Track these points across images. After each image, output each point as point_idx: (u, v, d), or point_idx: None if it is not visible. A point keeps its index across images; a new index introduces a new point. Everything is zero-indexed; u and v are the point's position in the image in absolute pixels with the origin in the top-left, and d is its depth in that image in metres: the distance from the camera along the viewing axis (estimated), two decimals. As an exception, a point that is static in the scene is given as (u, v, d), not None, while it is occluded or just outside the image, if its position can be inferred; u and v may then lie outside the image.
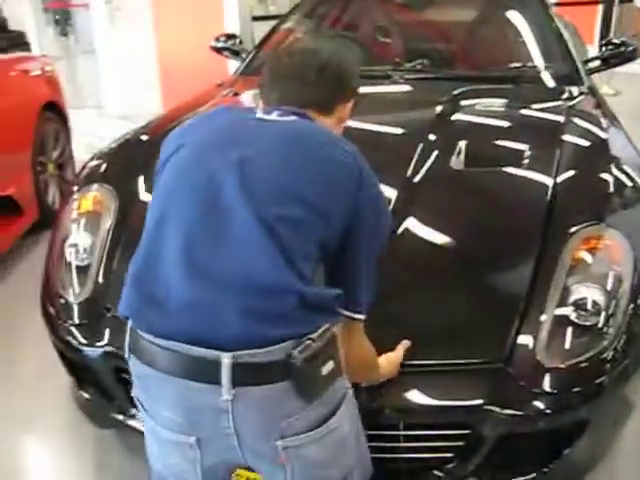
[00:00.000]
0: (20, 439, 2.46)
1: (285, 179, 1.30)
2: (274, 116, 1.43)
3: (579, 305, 1.82)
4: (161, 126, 2.91)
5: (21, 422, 2.52)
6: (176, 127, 1.53)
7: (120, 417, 2.10)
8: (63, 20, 11.13)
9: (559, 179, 2.19)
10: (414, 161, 2.32)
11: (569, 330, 1.81)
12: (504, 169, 2.29)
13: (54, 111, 4.32)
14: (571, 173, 2.23)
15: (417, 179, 2.25)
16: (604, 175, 2.20)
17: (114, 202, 2.34)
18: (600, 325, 1.81)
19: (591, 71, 3.37)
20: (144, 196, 2.37)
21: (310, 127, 1.43)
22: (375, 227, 1.41)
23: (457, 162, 2.34)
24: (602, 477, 2.12)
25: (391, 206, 2.13)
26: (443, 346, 1.83)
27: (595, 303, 1.82)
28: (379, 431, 1.77)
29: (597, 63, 3.44)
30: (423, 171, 2.28)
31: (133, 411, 2.05)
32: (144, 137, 2.78)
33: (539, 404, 1.73)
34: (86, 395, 2.24)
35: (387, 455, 1.77)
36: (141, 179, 2.45)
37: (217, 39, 3.93)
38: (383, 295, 1.93)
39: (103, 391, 2.16)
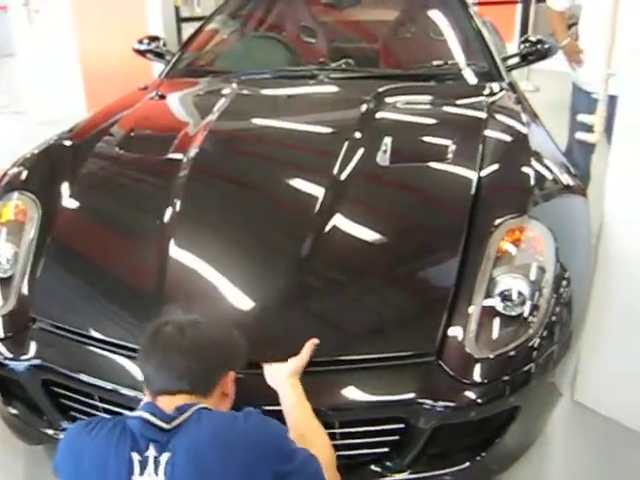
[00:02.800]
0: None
1: None
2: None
3: (505, 296, 1.87)
4: (85, 130, 2.85)
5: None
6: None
7: (50, 432, 2.04)
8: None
9: (483, 173, 2.24)
10: (340, 159, 2.33)
11: (496, 321, 1.86)
12: (429, 164, 2.33)
13: (-29, 118, 4.17)
14: (494, 167, 2.29)
15: (343, 177, 2.26)
16: (525, 169, 2.26)
17: (36, 210, 2.27)
18: (526, 315, 1.86)
19: (511, 68, 3.46)
20: (68, 203, 2.31)
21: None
22: None
23: (383, 158, 2.37)
24: (533, 462, 2.19)
25: (318, 204, 2.14)
26: (375, 342, 1.85)
27: (520, 293, 1.87)
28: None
29: (516, 60, 3.53)
30: (349, 168, 2.29)
31: (64, 424, 2.00)
32: (67, 142, 2.71)
33: (470, 394, 1.77)
34: (13, 411, 2.17)
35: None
36: (65, 185, 2.38)
37: (140, 41, 3.85)
38: (313, 293, 1.96)
39: (31, 405, 2.09)
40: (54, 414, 2.00)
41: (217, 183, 2.40)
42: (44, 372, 1.95)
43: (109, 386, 1.81)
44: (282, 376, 1.70)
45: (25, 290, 2.09)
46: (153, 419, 1.37)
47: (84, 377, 1.87)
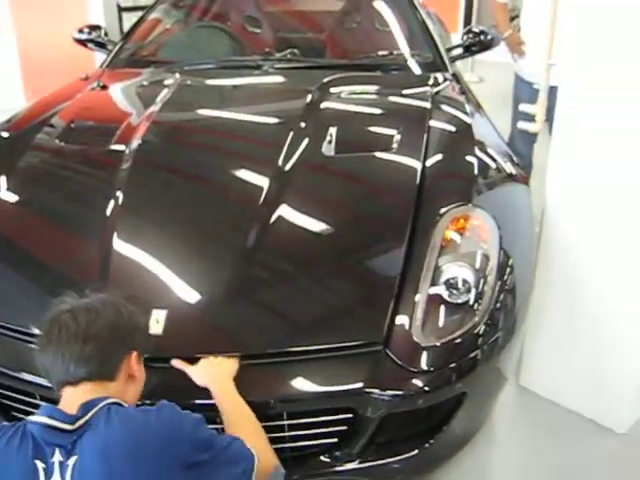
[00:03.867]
0: None
1: None
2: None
3: (450, 284, 1.89)
4: (23, 121, 2.78)
5: None
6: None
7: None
8: None
9: (427, 163, 2.25)
10: (285, 149, 2.31)
11: (442, 309, 1.87)
12: (374, 154, 2.33)
13: None
14: (439, 157, 2.31)
15: (288, 167, 2.25)
16: (469, 158, 2.29)
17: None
18: (471, 302, 1.88)
19: (455, 58, 3.49)
20: (5, 196, 2.24)
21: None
22: None
23: (328, 148, 2.36)
24: (480, 447, 2.22)
25: (263, 195, 2.12)
26: (322, 332, 1.84)
27: (465, 281, 1.89)
28: (264, 422, 1.76)
29: (460, 51, 3.57)
30: (294, 159, 2.28)
31: (5, 425, 1.94)
32: (4, 134, 2.64)
33: (418, 382, 1.78)
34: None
35: (273, 445, 1.77)
36: (2, 178, 2.31)
37: (80, 30, 3.76)
38: (260, 284, 1.94)
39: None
40: None
41: (160, 174, 2.36)
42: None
43: (50, 384, 1.76)
44: (216, 375, 1.68)
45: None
46: (55, 423, 1.31)
47: (25, 376, 1.82)
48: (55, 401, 1.70)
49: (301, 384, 1.75)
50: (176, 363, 1.72)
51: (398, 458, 1.89)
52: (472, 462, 2.20)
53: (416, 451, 1.90)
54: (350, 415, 1.80)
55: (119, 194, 2.15)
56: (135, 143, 2.39)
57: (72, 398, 1.38)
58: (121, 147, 2.40)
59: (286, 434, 1.79)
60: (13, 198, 2.25)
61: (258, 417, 1.69)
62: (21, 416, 1.91)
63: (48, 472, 1.26)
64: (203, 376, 1.68)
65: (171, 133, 2.63)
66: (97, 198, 2.18)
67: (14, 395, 1.90)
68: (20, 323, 1.90)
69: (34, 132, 2.58)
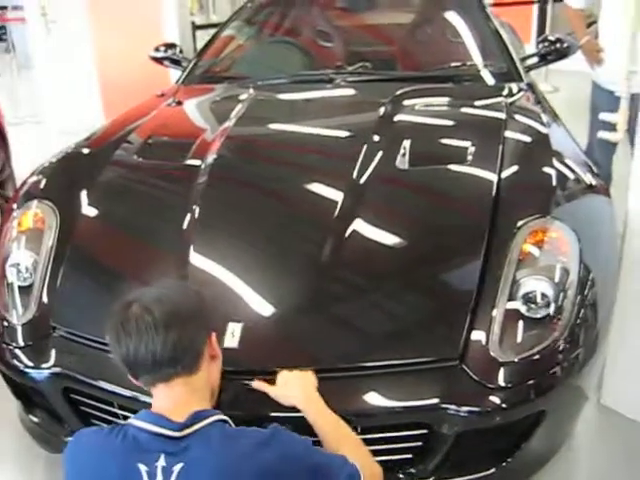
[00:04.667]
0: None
1: None
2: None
3: (529, 298, 1.84)
4: (102, 138, 2.86)
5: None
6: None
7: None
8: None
9: (503, 175, 2.21)
10: (359, 163, 2.31)
11: (520, 324, 1.83)
12: (448, 167, 2.30)
13: (-9, 128, 4.19)
14: (515, 168, 2.26)
15: (363, 181, 2.24)
16: (547, 169, 2.23)
17: (55, 218, 2.27)
18: (550, 317, 1.82)
19: (529, 68, 3.43)
20: (86, 211, 2.31)
21: None
22: None
23: (402, 162, 2.34)
24: (560, 466, 2.15)
25: (338, 208, 2.12)
26: (397, 347, 1.83)
27: (544, 295, 1.84)
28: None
29: (535, 60, 3.49)
30: (368, 172, 2.27)
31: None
32: (85, 150, 2.72)
33: (495, 399, 1.74)
34: (34, 419, 2.17)
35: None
36: (83, 193, 2.38)
37: (157, 49, 3.88)
38: (334, 299, 1.94)
39: (52, 413, 2.09)
40: (75, 422, 2.00)
41: (235, 189, 2.39)
42: (64, 380, 1.94)
43: (128, 393, 1.79)
44: (305, 397, 1.66)
45: (45, 298, 2.09)
46: (161, 430, 1.32)
47: (103, 384, 1.87)
48: (134, 410, 1.75)
49: (376, 399, 1.74)
50: (257, 385, 1.71)
51: (474, 476, 1.85)
52: (552, 482, 2.13)
53: (493, 469, 1.85)
54: (425, 431, 1.77)
55: (195, 208, 2.19)
56: (210, 158, 2.44)
57: (168, 399, 1.40)
58: (197, 162, 2.45)
59: (360, 449, 1.78)
60: (93, 212, 2.32)
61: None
62: (100, 424, 1.96)
63: (151, 475, 1.28)
64: (289, 396, 1.66)
65: (245, 148, 2.66)
66: (174, 212, 2.23)
67: (94, 403, 1.96)
68: (99, 333, 1.95)
69: (113, 148, 2.66)
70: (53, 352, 1.98)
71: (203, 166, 2.40)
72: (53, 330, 2.03)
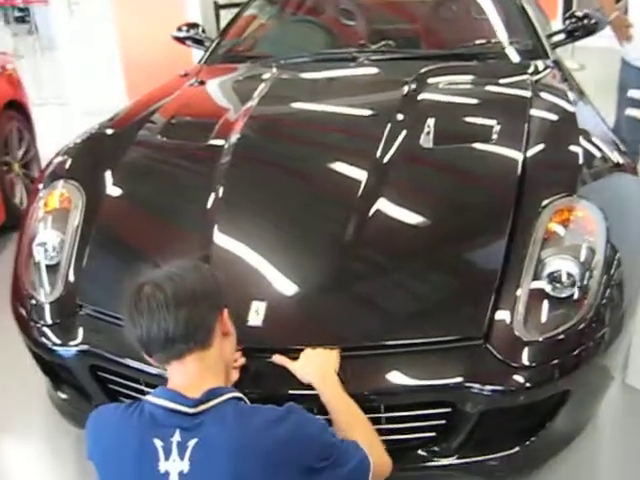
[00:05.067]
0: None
1: None
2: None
3: (554, 278, 1.83)
4: (126, 119, 2.87)
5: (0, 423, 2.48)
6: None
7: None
8: (22, 17, 10.95)
9: (529, 153, 2.19)
10: (383, 142, 2.30)
11: (545, 303, 1.82)
12: (473, 145, 2.28)
13: (16, 109, 4.23)
14: (540, 147, 2.23)
15: (386, 160, 2.23)
16: (573, 147, 2.20)
17: (81, 198, 2.29)
18: (575, 297, 1.81)
19: (555, 45, 3.37)
20: (111, 190, 2.33)
21: None
22: None
23: (426, 140, 2.33)
24: (584, 446, 2.14)
25: (361, 187, 2.12)
26: (421, 325, 1.83)
27: (569, 275, 1.82)
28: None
29: (561, 37, 3.44)
30: (392, 151, 2.26)
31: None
32: (109, 130, 2.73)
33: (519, 378, 1.73)
34: (63, 395, 2.21)
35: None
36: (108, 173, 2.40)
37: (179, 29, 3.87)
38: (358, 277, 1.94)
39: (80, 390, 2.13)
40: (102, 399, 2.02)
41: (259, 168, 2.39)
42: (91, 358, 1.97)
43: (153, 371, 1.81)
44: (322, 376, 1.67)
45: (71, 277, 2.11)
46: (177, 406, 1.34)
47: (130, 362, 1.89)
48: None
49: (399, 377, 1.74)
50: (278, 359, 1.72)
51: (498, 455, 1.86)
52: (576, 461, 2.12)
53: (517, 448, 1.86)
54: (449, 409, 1.77)
55: (219, 188, 2.19)
56: (234, 137, 2.44)
57: (182, 376, 1.41)
58: (220, 142, 2.45)
59: (383, 427, 1.78)
60: (118, 192, 2.34)
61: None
62: (127, 401, 1.99)
63: (166, 451, 1.30)
64: (307, 373, 1.68)
65: (269, 127, 2.66)
66: (198, 192, 2.23)
67: (121, 381, 1.98)
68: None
69: (137, 129, 2.67)
70: (80, 330, 2.00)
71: (226, 146, 2.40)
72: (80, 308, 2.05)
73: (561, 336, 1.77)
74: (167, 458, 1.30)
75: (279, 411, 1.38)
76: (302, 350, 1.73)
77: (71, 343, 1.99)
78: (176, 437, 1.31)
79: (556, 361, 1.76)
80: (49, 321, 2.06)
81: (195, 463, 1.29)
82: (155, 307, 1.38)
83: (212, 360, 1.44)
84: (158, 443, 1.31)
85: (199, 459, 1.29)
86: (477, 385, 1.71)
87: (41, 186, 2.42)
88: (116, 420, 1.40)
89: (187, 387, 1.38)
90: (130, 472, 1.33)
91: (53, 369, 2.17)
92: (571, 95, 2.65)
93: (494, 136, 2.31)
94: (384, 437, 1.75)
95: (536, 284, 1.83)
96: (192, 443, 1.30)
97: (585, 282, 1.83)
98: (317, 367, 1.67)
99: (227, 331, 1.52)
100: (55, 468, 2.30)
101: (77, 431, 2.32)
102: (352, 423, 1.58)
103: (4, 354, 2.83)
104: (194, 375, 1.40)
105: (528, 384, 1.73)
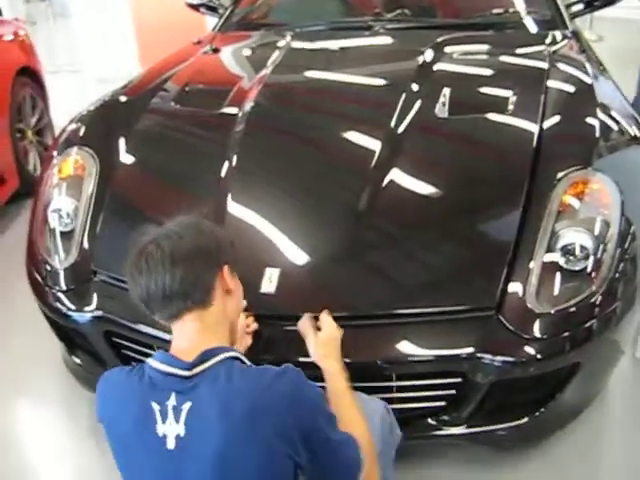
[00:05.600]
0: (15, 404, 2.47)
1: None
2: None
3: (567, 250, 1.82)
4: (139, 86, 2.86)
5: (15, 387, 2.53)
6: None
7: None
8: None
9: (545, 125, 2.17)
10: (397, 111, 2.29)
11: (558, 275, 1.82)
12: (489, 116, 2.26)
13: (30, 76, 4.23)
14: (557, 118, 2.21)
15: (401, 130, 2.22)
16: (590, 120, 2.18)
17: (95, 165, 2.30)
18: (589, 270, 1.81)
19: (574, 15, 3.32)
20: (125, 158, 2.33)
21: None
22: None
23: (441, 110, 2.31)
24: (592, 418, 2.15)
25: (375, 158, 2.11)
26: (434, 295, 1.83)
27: (583, 248, 1.82)
28: (372, 383, 1.78)
29: (580, 7, 3.38)
30: (407, 121, 2.25)
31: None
32: (123, 98, 2.73)
33: (530, 350, 1.74)
34: (77, 360, 2.24)
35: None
36: (122, 140, 2.40)
37: (193, -5, 3.83)
38: (370, 246, 1.94)
39: (95, 355, 2.16)
40: (116, 364, 2.05)
41: (273, 137, 2.39)
42: (105, 324, 1.99)
43: (167, 337, 1.83)
44: (323, 355, 1.65)
45: (86, 244, 2.13)
46: (172, 370, 1.34)
47: (143, 328, 1.91)
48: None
49: (412, 346, 1.75)
50: (303, 325, 1.72)
51: (507, 425, 1.87)
52: (584, 433, 2.13)
53: (526, 419, 1.87)
54: (459, 379, 1.79)
55: (233, 156, 2.19)
56: (248, 106, 2.43)
57: (182, 336, 1.40)
58: (234, 110, 2.44)
59: (394, 395, 1.80)
60: (131, 159, 2.35)
61: (367, 377, 1.71)
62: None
63: (163, 414, 1.31)
64: (318, 353, 1.66)
65: (283, 95, 2.65)
66: (211, 160, 2.24)
67: (134, 346, 2.01)
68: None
69: (150, 96, 2.67)
70: (94, 296, 2.03)
71: (240, 114, 2.40)
72: (94, 274, 2.07)
73: (573, 309, 1.77)
74: (164, 421, 1.31)
75: (275, 370, 1.36)
76: (315, 318, 1.73)
77: (86, 309, 2.02)
78: (172, 401, 1.31)
79: (567, 333, 1.77)
80: (64, 287, 2.09)
81: (190, 427, 1.29)
82: (152, 265, 1.37)
83: (212, 319, 1.42)
84: (155, 407, 1.32)
85: (193, 422, 1.29)
86: (488, 356, 1.72)
87: (55, 153, 2.43)
88: (120, 383, 1.41)
89: (187, 349, 1.37)
90: (132, 435, 1.34)
91: (68, 334, 2.20)
92: (589, 67, 2.62)
93: (510, 107, 2.29)
94: (395, 406, 1.77)
95: (549, 256, 1.83)
96: (186, 407, 1.30)
97: (599, 255, 1.82)
98: (325, 349, 1.65)
99: (229, 288, 1.48)
100: (70, 431, 2.34)
101: (91, 395, 2.36)
102: (342, 411, 1.50)
103: (19, 319, 2.86)
104: (194, 336, 1.40)
105: (539, 356, 1.74)
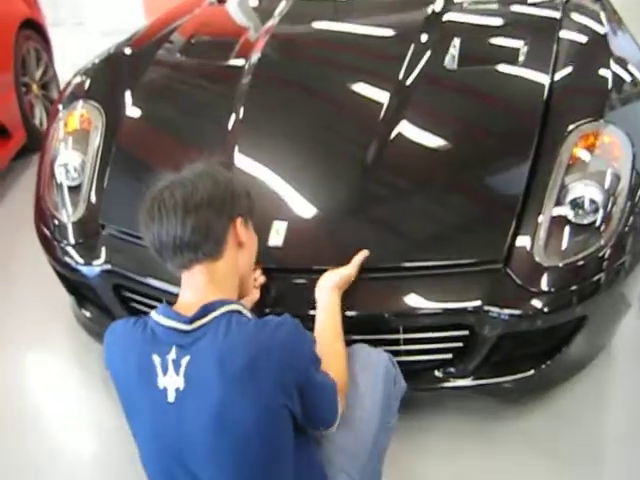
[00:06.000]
0: (27, 356, 2.50)
1: None
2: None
3: (577, 204, 1.81)
4: (144, 39, 2.82)
5: (28, 339, 2.56)
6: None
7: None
8: None
9: (556, 76, 2.13)
10: (406, 63, 2.25)
11: (567, 229, 1.81)
12: (499, 67, 2.23)
13: (33, 29, 4.17)
14: (569, 70, 2.17)
15: (409, 82, 2.19)
16: (603, 71, 2.14)
17: (101, 119, 2.28)
18: (598, 223, 1.80)
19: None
20: (131, 111, 2.31)
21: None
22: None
23: (451, 61, 2.28)
24: (596, 371, 2.17)
25: (383, 110, 2.09)
26: (441, 249, 1.83)
27: (593, 201, 1.81)
28: (379, 335, 1.80)
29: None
30: (416, 72, 2.22)
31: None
32: (128, 50, 2.70)
33: (537, 303, 1.75)
34: (87, 314, 2.26)
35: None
36: (127, 93, 2.38)
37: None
38: (378, 200, 1.93)
39: (104, 309, 2.17)
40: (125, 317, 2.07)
41: (280, 89, 2.36)
42: (114, 277, 2.01)
43: (175, 290, 1.83)
44: (324, 286, 1.68)
45: (93, 198, 2.13)
46: (173, 323, 1.33)
47: (152, 281, 1.92)
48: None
49: (419, 299, 1.76)
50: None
51: (513, 377, 1.89)
52: (588, 385, 2.15)
53: (532, 371, 1.89)
54: (466, 332, 1.80)
55: (240, 108, 2.17)
56: (254, 57, 2.39)
57: (189, 287, 1.40)
58: (240, 62, 2.41)
59: (401, 348, 1.81)
60: (137, 112, 2.33)
61: (374, 330, 1.72)
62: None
63: (163, 367, 1.31)
64: (321, 284, 1.69)
65: (290, 47, 2.61)
66: (218, 112, 2.21)
67: (143, 300, 2.02)
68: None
69: (155, 48, 2.63)
70: (103, 250, 2.03)
71: (247, 66, 2.37)
72: (102, 228, 2.08)
73: (581, 262, 1.77)
74: (165, 374, 1.31)
75: (274, 322, 1.35)
76: (322, 271, 1.74)
77: (94, 263, 2.03)
78: (172, 354, 1.31)
79: (575, 287, 1.77)
80: (72, 241, 2.09)
81: (189, 381, 1.30)
82: (165, 213, 1.36)
83: (221, 273, 1.41)
84: (156, 359, 1.32)
85: (192, 376, 1.29)
86: (495, 309, 1.73)
87: (61, 107, 2.41)
88: (124, 335, 1.41)
89: (191, 303, 1.36)
90: (135, 386, 1.35)
91: (77, 288, 2.22)
92: (603, 16, 2.57)
93: (521, 58, 2.25)
94: (402, 358, 1.79)
95: (558, 210, 1.82)
96: (185, 360, 1.30)
97: (608, 209, 1.81)
98: (332, 284, 1.68)
99: (241, 241, 1.47)
100: (81, 381, 2.37)
101: (101, 347, 2.39)
102: (331, 356, 1.52)
103: (31, 272, 2.88)
104: (200, 288, 1.39)
105: (546, 309, 1.75)
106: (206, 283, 1.39)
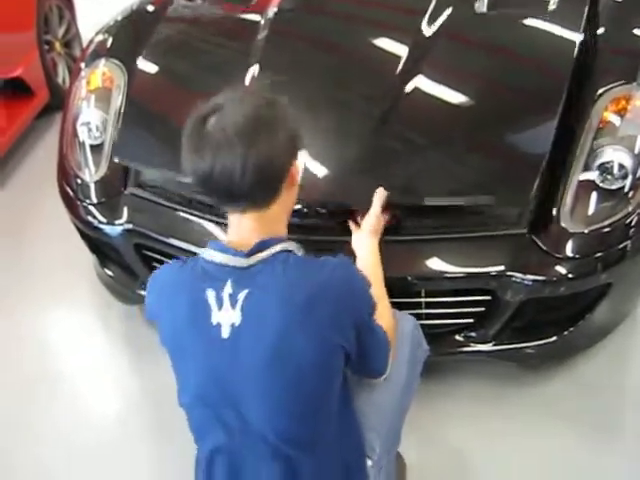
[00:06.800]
0: (50, 315, 2.54)
1: None
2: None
3: (605, 169, 1.77)
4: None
5: (51, 298, 2.59)
6: None
7: (144, 293, 2.12)
8: None
9: (588, 35, 2.06)
10: (429, 13, 2.16)
11: (594, 195, 1.77)
12: (528, 18, 2.14)
13: (55, -14, 4.13)
14: (601, 29, 2.10)
15: (436, 27, 2.12)
16: (638, 32, 2.07)
17: (123, 77, 2.26)
18: (626, 189, 1.76)
19: None
20: (147, 66, 2.28)
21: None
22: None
23: (480, 5, 2.20)
24: (620, 339, 2.15)
25: (402, 63, 2.02)
26: (466, 213, 1.80)
27: (621, 166, 1.77)
28: (401, 298, 1.78)
29: None
30: (440, 22, 2.13)
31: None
32: (150, 7, 2.65)
33: (561, 269, 1.73)
34: (109, 273, 2.28)
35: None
36: (146, 50, 2.34)
37: None
38: (395, 156, 1.86)
39: (126, 268, 2.19)
40: (147, 276, 2.07)
41: (297, 44, 2.30)
42: (136, 236, 2.01)
43: (197, 249, 1.83)
44: (362, 236, 1.66)
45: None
46: (228, 259, 1.29)
47: (173, 241, 1.93)
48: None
49: (442, 263, 1.75)
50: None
51: (535, 343, 1.88)
52: (611, 352, 2.14)
53: (555, 338, 1.88)
54: (489, 297, 1.78)
55: (255, 63, 2.12)
56: (271, 12, 2.33)
57: (238, 228, 1.36)
58: (257, 17, 2.36)
59: (423, 311, 1.81)
60: (154, 69, 2.29)
61: (396, 293, 1.70)
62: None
63: (218, 302, 1.29)
64: (357, 245, 1.67)
65: (307, 1, 2.53)
66: (234, 67, 2.16)
67: (165, 260, 2.03)
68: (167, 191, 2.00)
69: (174, 4, 2.59)
70: (125, 209, 2.04)
71: (263, 21, 2.31)
72: (124, 187, 2.07)
73: (607, 229, 1.74)
74: (220, 309, 1.28)
75: (331, 262, 1.32)
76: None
77: (116, 222, 2.03)
78: (227, 289, 1.28)
79: (600, 254, 1.74)
80: (94, 200, 2.10)
81: (246, 315, 1.27)
82: (225, 145, 1.24)
83: (271, 217, 1.36)
84: (210, 294, 1.29)
85: (250, 310, 1.26)
86: (519, 274, 1.71)
87: (83, 65, 2.39)
88: (171, 278, 1.38)
89: (243, 241, 1.33)
90: (185, 327, 1.32)
91: (99, 247, 2.23)
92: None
93: (551, 7, 2.16)
94: (423, 322, 1.78)
95: (586, 175, 1.78)
96: (243, 295, 1.27)
97: (638, 175, 1.77)
98: (367, 232, 1.66)
99: (294, 183, 1.40)
100: (103, 338, 2.40)
101: (122, 306, 2.41)
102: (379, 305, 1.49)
103: (55, 230, 2.89)
104: (253, 229, 1.34)
105: (570, 275, 1.72)
106: (254, 228, 1.34)
